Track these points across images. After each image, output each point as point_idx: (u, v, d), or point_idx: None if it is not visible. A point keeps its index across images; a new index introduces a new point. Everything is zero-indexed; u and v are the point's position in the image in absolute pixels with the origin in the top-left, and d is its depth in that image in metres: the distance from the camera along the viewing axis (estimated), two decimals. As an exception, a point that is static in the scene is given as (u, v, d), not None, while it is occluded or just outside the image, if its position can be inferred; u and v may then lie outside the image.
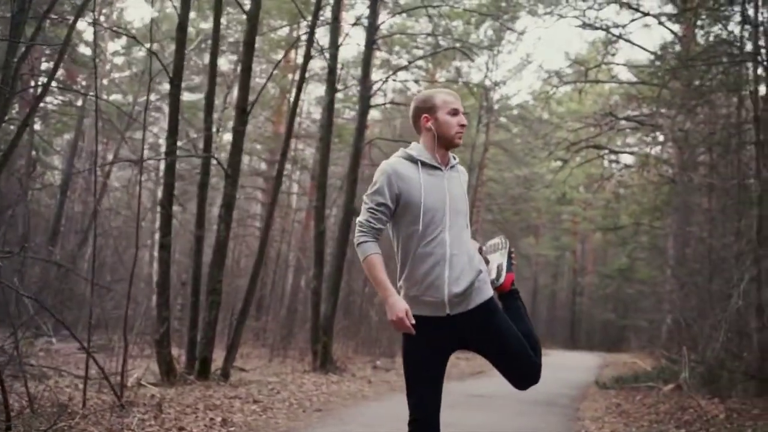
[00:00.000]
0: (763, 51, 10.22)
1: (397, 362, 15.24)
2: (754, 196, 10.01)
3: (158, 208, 11.20)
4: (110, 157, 20.83)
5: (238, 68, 17.77)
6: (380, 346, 17.20)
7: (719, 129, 12.19)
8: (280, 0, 19.39)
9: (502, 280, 3.40)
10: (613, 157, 21.73)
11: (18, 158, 13.54)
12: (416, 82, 22.77)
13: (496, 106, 26.62)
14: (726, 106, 13.01)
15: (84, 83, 19.28)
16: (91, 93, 12.27)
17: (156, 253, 19.31)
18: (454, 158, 3.36)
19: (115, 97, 22.29)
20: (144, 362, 10.66)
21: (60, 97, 17.61)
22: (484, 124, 24.82)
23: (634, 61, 18.33)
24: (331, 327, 12.94)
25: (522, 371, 3.23)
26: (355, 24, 14.99)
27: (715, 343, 9.36)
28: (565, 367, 17.55)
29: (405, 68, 20.13)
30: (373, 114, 20.80)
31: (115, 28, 16.77)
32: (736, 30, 11.16)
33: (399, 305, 3.02)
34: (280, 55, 21.76)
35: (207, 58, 19.76)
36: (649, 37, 66.12)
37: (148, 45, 9.17)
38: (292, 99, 13.40)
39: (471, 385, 12.07)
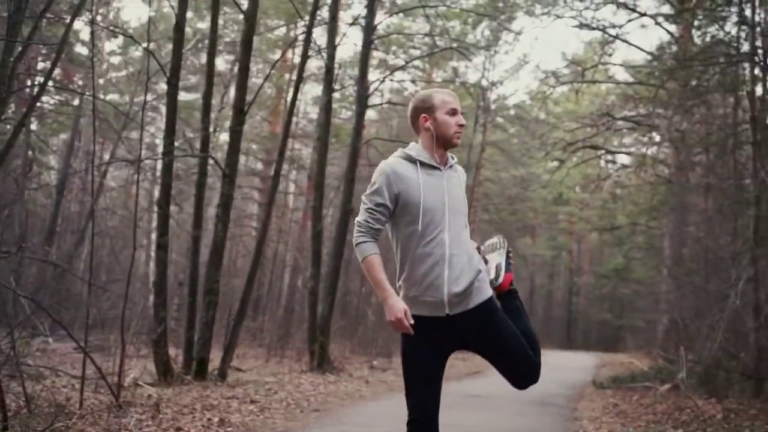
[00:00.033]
0: (760, 51, 10.23)
1: (394, 362, 15.24)
2: (751, 197, 10.03)
3: (155, 208, 11.19)
4: (107, 156, 20.82)
5: (235, 68, 17.77)
6: (377, 346, 17.19)
7: (716, 129, 12.21)
8: (277, 0, 19.37)
9: (501, 280, 3.40)
10: (609, 157, 21.76)
11: (14, 158, 13.50)
12: (413, 82, 22.77)
13: (493, 106, 26.66)
14: (723, 106, 13.03)
15: (81, 83, 19.25)
16: (88, 92, 12.25)
17: (153, 253, 19.30)
18: (453, 158, 3.36)
19: (112, 96, 22.27)
20: (141, 362, 10.67)
21: (56, 97, 17.59)
22: (481, 124, 24.84)
23: (630, 62, 18.37)
24: (328, 327, 12.94)
25: (521, 370, 3.23)
26: (352, 24, 14.99)
27: (712, 343, 9.37)
28: (561, 367, 17.55)
29: (402, 68, 20.15)
30: (370, 114, 20.83)
31: (112, 28, 16.75)
32: (733, 30, 11.17)
33: (398, 306, 3.02)
34: (277, 55, 21.75)
35: (204, 58, 19.78)
36: (645, 37, 66.17)
37: (145, 44, 9.15)
38: (289, 99, 13.37)
39: (468, 385, 12.07)
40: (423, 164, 3.22)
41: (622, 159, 22.61)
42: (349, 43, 39.80)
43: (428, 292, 3.10)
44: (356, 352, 16.52)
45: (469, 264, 3.15)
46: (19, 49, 6.71)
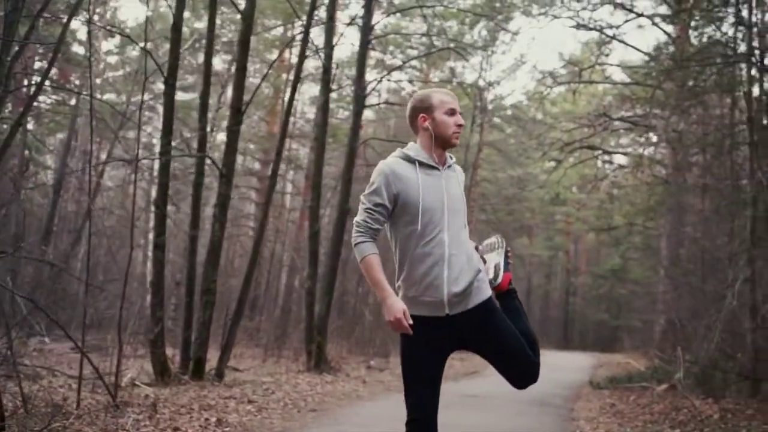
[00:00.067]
0: (756, 52, 10.24)
1: (391, 362, 15.24)
2: (748, 197, 10.04)
3: (152, 208, 11.17)
4: (103, 156, 20.77)
5: (232, 68, 17.75)
6: (374, 346, 17.19)
7: (713, 130, 12.23)
8: (274, 0, 19.36)
9: (500, 279, 3.40)
10: (606, 157, 21.75)
11: (11, 157, 13.47)
12: (410, 82, 22.77)
13: (490, 107, 26.66)
14: (720, 107, 13.05)
15: (77, 82, 19.22)
16: (86, 92, 12.23)
17: (150, 253, 19.29)
18: (451, 158, 3.36)
19: (109, 96, 22.23)
20: (138, 362, 10.65)
21: (53, 96, 17.55)
22: (478, 124, 24.83)
23: (627, 62, 18.39)
24: (325, 327, 12.93)
25: (521, 370, 3.23)
26: (349, 24, 14.98)
27: (709, 344, 9.38)
28: (558, 367, 17.56)
29: (399, 68, 20.15)
30: (367, 114, 20.84)
31: (109, 27, 16.73)
32: (730, 31, 11.20)
33: (396, 306, 3.02)
34: (274, 55, 21.75)
35: (201, 58, 19.77)
36: (642, 38, 66.26)
37: (142, 44, 9.14)
38: (286, 99, 13.34)
39: (465, 385, 12.08)
40: (422, 164, 3.22)
41: (619, 159, 22.63)
42: (347, 43, 39.89)
43: (428, 292, 3.10)
44: (353, 352, 16.51)
45: (468, 264, 3.15)
46: (16, 48, 6.70)
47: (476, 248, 3.39)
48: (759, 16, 10.47)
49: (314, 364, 12.33)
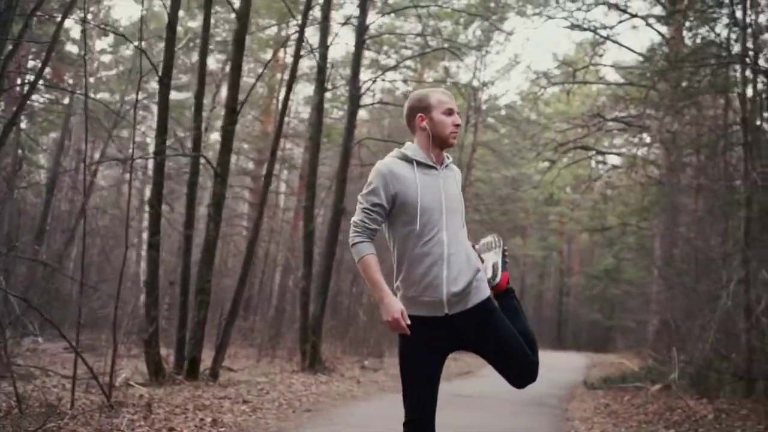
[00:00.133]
0: (750, 53, 10.27)
1: (385, 362, 15.23)
2: (742, 198, 10.07)
3: (146, 208, 11.14)
4: (97, 155, 20.70)
5: (227, 67, 17.73)
6: (368, 346, 17.18)
7: (707, 131, 12.25)
8: (269, -1, 19.34)
9: (498, 279, 3.40)
10: (600, 158, 21.77)
11: (4, 156, 13.42)
12: (405, 82, 22.75)
13: (484, 107, 26.67)
14: (714, 107, 13.07)
15: (71, 81, 19.15)
16: (80, 91, 12.19)
17: (143, 253, 19.24)
18: (448, 157, 3.36)
19: (102, 95, 22.17)
20: (131, 362, 10.63)
21: (47, 95, 17.49)
22: (472, 124, 24.85)
23: (621, 63, 18.40)
24: (319, 327, 12.91)
25: (520, 369, 3.23)
26: (344, 23, 14.96)
27: (704, 344, 9.40)
28: (552, 367, 17.55)
29: (394, 68, 20.12)
30: (361, 114, 20.75)
31: (103, 26, 16.67)
32: (724, 32, 11.23)
33: (394, 306, 3.01)
34: (268, 55, 21.74)
35: (194, 57, 19.74)
36: (636, 38, 66.51)
37: (137, 43, 9.11)
38: (281, 98, 13.34)
39: (459, 385, 12.07)
40: (419, 164, 3.22)
41: (613, 160, 22.67)
42: (341, 43, 39.83)
43: (427, 292, 3.09)
44: (347, 353, 16.50)
45: (467, 263, 3.15)
46: (10, 47, 6.68)
47: (473, 247, 3.39)
48: (753, 17, 10.51)
49: (309, 364, 12.32)
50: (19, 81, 11.33)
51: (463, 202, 3.31)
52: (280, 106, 12.44)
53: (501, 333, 3.16)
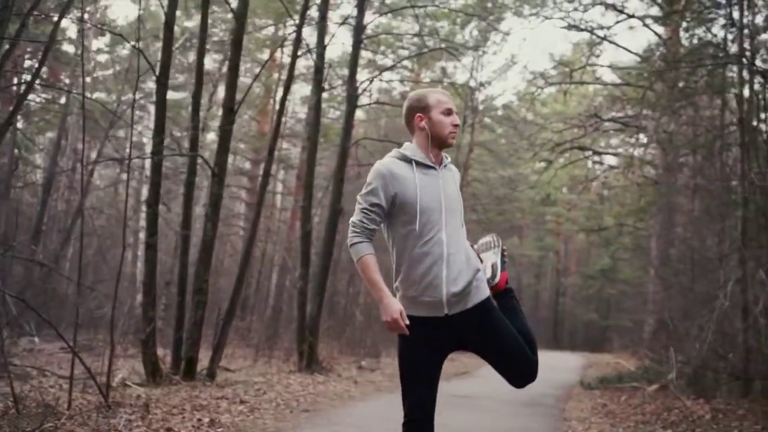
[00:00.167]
0: (747, 53, 10.29)
1: (382, 362, 15.22)
2: (739, 198, 10.09)
3: (143, 208, 11.12)
4: (93, 155, 20.66)
5: (224, 67, 17.71)
6: (365, 346, 17.18)
7: (703, 131, 12.27)
8: (266, -1, 19.30)
9: (497, 278, 3.40)
10: (597, 158, 21.79)
11: (1, 156, 13.41)
12: (402, 82, 22.78)
13: (481, 107, 26.68)
14: (710, 108, 13.09)
15: (67, 81, 19.12)
16: (77, 91, 12.17)
17: (140, 253, 19.22)
18: (447, 158, 3.36)
19: (99, 95, 22.12)
20: (128, 362, 10.61)
21: (43, 95, 17.46)
22: (469, 124, 24.85)
23: (618, 63, 18.42)
24: (316, 327, 12.90)
25: (520, 369, 3.24)
26: (342, 24, 14.96)
27: (701, 344, 9.41)
28: (549, 368, 17.49)
29: (391, 68, 20.13)
30: (358, 114, 20.80)
31: (100, 26, 16.64)
32: (721, 33, 11.25)
33: (393, 306, 3.01)
34: (265, 54, 21.72)
35: (192, 57, 19.71)
36: (633, 39, 66.57)
37: (134, 42, 9.09)
38: (278, 98, 13.32)
39: (456, 385, 12.07)
40: (418, 164, 3.22)
41: (610, 160, 22.69)
42: (338, 43, 39.78)
43: (427, 292, 3.09)
44: (344, 353, 16.48)
45: (467, 263, 3.15)
46: (6, 46, 6.67)
47: (472, 247, 3.39)
48: (750, 18, 10.51)
49: (306, 364, 12.31)
50: (15, 80, 11.32)
51: (461, 202, 3.31)
52: (277, 106, 12.44)
53: (501, 333, 3.16)
